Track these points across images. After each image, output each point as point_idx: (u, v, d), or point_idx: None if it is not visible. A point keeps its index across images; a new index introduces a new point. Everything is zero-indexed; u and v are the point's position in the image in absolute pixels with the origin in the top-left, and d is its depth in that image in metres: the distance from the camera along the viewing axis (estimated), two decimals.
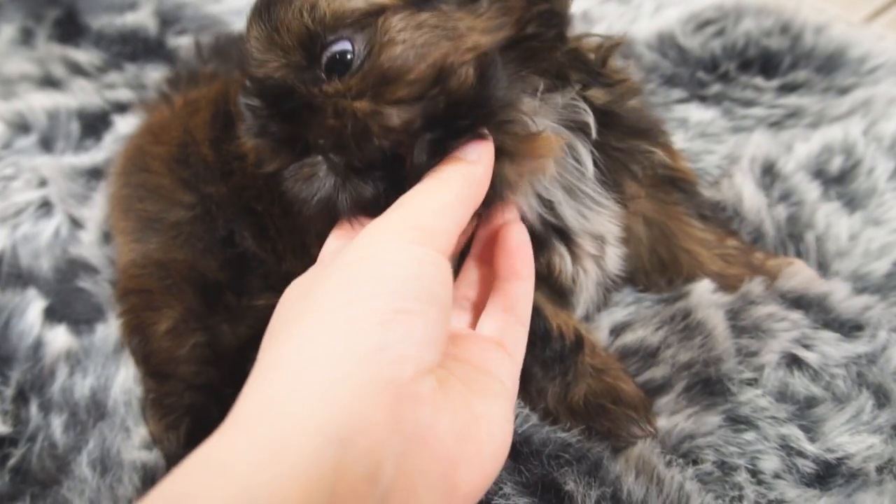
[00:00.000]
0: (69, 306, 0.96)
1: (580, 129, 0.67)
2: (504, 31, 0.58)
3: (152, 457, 0.79)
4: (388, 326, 0.45)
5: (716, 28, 1.14)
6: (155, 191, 0.87)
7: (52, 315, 0.95)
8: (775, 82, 1.06)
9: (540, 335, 0.72)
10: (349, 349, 0.44)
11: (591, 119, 0.66)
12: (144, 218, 0.87)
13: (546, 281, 0.72)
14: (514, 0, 0.59)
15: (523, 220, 0.66)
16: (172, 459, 0.79)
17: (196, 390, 0.83)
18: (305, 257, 0.71)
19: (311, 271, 0.55)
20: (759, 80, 1.07)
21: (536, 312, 0.68)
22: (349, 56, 0.55)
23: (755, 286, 0.81)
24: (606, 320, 0.84)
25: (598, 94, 0.68)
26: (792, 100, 1.04)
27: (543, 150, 0.59)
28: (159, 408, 0.83)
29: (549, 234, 0.70)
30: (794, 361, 0.76)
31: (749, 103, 1.05)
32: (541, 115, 0.63)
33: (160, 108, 0.97)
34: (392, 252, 0.49)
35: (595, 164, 0.68)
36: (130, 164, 0.92)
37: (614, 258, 0.75)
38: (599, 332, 0.83)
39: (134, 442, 0.80)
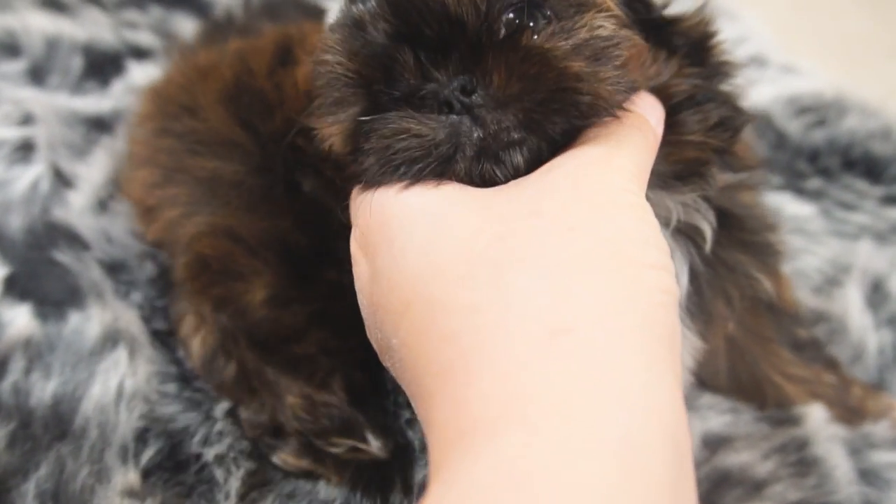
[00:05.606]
0: (37, 281, 0.77)
1: (688, 235, 0.55)
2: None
3: None
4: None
5: (816, 117, 1.04)
6: (209, 139, 0.69)
7: (14, 288, 0.75)
8: (880, 190, 0.97)
9: None
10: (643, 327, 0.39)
11: (707, 225, 0.55)
12: (202, 179, 0.69)
13: None
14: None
15: None
16: (341, 422, 0.66)
17: (330, 355, 0.67)
18: None
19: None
20: (862, 185, 0.97)
21: None
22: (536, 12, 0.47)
23: (880, 429, 0.70)
24: (699, 426, 0.71)
25: (720, 178, 0.56)
26: None
27: None
28: (299, 367, 0.67)
29: None
30: None
31: (850, 207, 0.95)
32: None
33: (205, 52, 0.79)
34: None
35: (691, 281, 0.56)
36: (171, 105, 0.74)
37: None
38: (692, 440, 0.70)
39: (114, 485, 0.61)
